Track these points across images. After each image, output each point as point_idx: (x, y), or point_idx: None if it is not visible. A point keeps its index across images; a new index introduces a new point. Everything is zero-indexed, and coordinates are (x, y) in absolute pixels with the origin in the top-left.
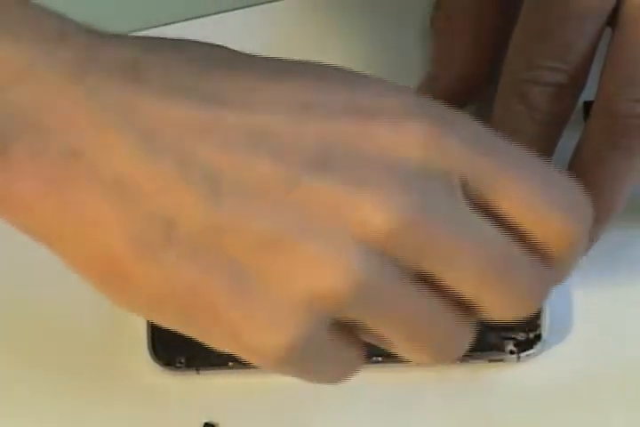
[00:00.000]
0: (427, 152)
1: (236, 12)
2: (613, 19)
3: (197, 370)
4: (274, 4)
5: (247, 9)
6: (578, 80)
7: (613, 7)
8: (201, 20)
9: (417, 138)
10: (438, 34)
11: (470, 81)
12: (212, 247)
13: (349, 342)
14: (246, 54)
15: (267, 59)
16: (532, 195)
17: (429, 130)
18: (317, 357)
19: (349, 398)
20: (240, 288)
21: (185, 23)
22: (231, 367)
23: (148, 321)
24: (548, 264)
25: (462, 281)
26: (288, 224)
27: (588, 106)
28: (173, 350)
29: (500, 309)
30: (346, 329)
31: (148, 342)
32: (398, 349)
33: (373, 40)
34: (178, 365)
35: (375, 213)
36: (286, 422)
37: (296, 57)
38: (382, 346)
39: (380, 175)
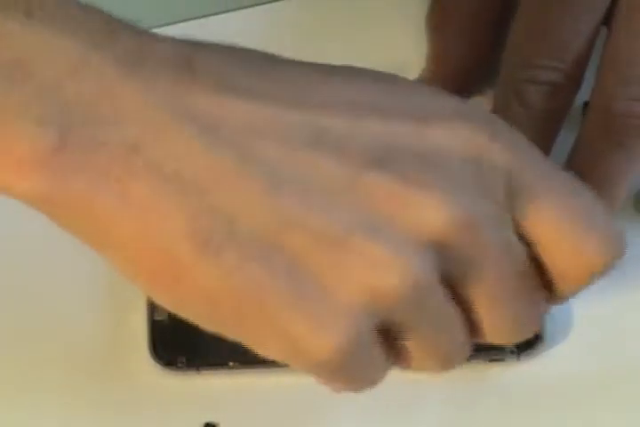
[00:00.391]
0: (478, 155)
1: (236, 12)
2: (609, 17)
3: (198, 370)
4: (274, 4)
5: (247, 9)
6: (574, 79)
7: (609, 6)
8: (201, 20)
9: (469, 140)
10: (434, 31)
11: (466, 78)
12: (272, 244)
13: (384, 348)
14: (294, 60)
15: (315, 63)
16: (572, 223)
17: (480, 134)
18: (362, 360)
19: (349, 398)
20: (298, 288)
21: (185, 24)
22: (231, 367)
23: (148, 321)
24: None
25: (477, 296)
26: (348, 222)
27: (587, 106)
28: (173, 350)
29: (495, 333)
30: (382, 335)
31: (148, 342)
32: (412, 358)
33: (373, 39)
34: (178, 365)
35: (434, 212)
36: (286, 423)
37: (296, 57)
38: (393, 358)
39: (436, 175)
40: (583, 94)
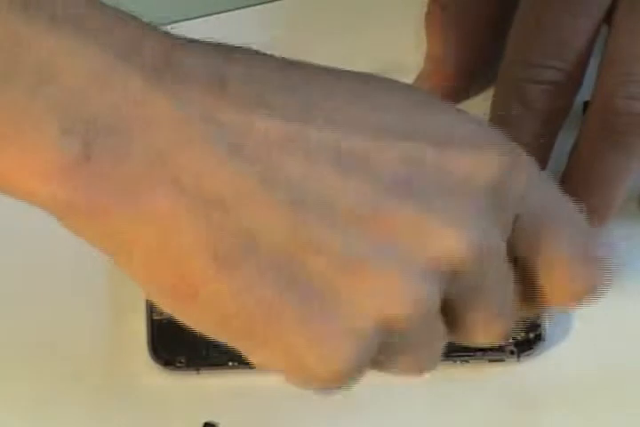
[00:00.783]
0: (499, 184)
1: (235, 11)
2: (610, 16)
3: (197, 370)
4: (274, 3)
5: (247, 9)
6: (575, 78)
7: (609, 4)
8: (201, 20)
9: (489, 169)
10: (433, 32)
11: (465, 79)
12: (289, 264)
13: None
14: (326, 68)
15: (346, 73)
16: (572, 256)
17: (500, 162)
18: (359, 378)
19: (349, 398)
20: (309, 308)
21: (185, 23)
22: (231, 367)
23: (147, 321)
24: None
25: (465, 311)
26: (366, 248)
27: (587, 106)
28: (173, 350)
29: (468, 338)
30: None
31: (148, 342)
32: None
33: (373, 39)
34: (178, 365)
35: (453, 244)
36: (286, 423)
37: (296, 57)
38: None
39: (456, 204)
40: (583, 94)
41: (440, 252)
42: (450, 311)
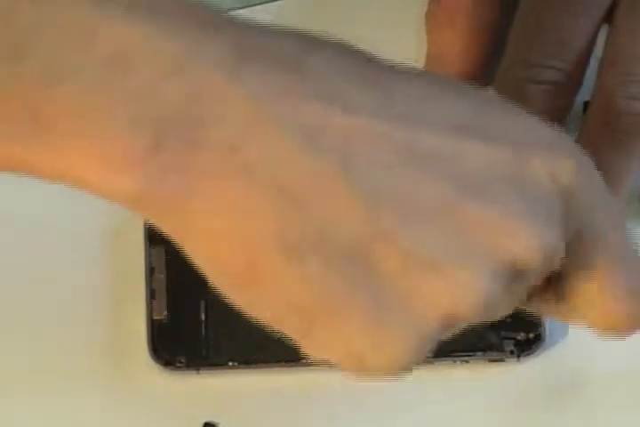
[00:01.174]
0: (566, 188)
1: (235, 12)
2: (610, 16)
3: (197, 370)
4: (274, 3)
5: (247, 9)
6: (575, 78)
7: (610, 4)
8: None
9: (562, 173)
10: (434, 30)
11: (466, 78)
12: (359, 259)
13: None
14: (403, 67)
15: (421, 72)
16: (614, 279)
17: (571, 166)
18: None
19: (350, 398)
20: (374, 303)
21: None
22: (231, 367)
23: (147, 321)
24: None
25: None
26: (439, 246)
27: (587, 106)
28: (173, 350)
29: None
30: None
31: (148, 342)
32: None
33: (373, 39)
34: (178, 365)
35: (525, 246)
36: (286, 422)
37: None
38: None
39: (529, 206)
40: (583, 94)
41: (513, 253)
42: None
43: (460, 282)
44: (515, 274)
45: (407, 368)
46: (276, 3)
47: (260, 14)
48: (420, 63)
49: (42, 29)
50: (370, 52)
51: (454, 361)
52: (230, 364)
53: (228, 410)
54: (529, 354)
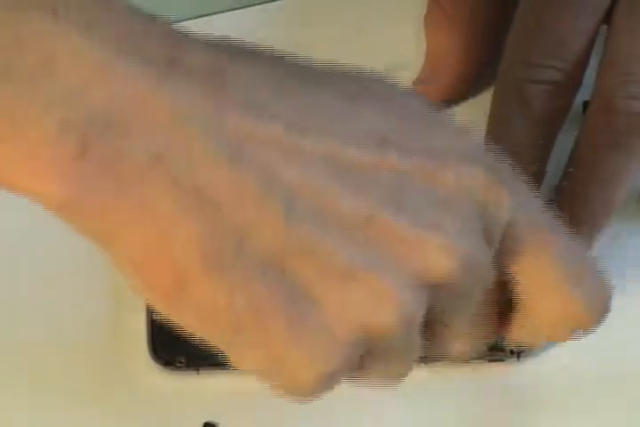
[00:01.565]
0: (487, 200)
1: (236, 12)
2: (609, 16)
3: (197, 370)
4: (274, 3)
5: (247, 9)
6: (574, 78)
7: (609, 4)
8: (201, 19)
9: (480, 185)
10: (433, 30)
11: (466, 78)
12: (278, 268)
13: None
14: (330, 72)
15: (347, 78)
16: (561, 279)
17: (492, 179)
18: (336, 384)
19: (349, 398)
20: (297, 312)
21: (185, 23)
22: (231, 367)
23: (147, 321)
24: None
25: (443, 320)
26: (356, 258)
27: (587, 106)
28: (173, 350)
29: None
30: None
31: (148, 342)
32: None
33: (373, 39)
34: (178, 365)
35: (443, 258)
36: (286, 422)
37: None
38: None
39: (446, 219)
40: (583, 94)
41: (429, 265)
42: (429, 323)
43: (374, 292)
44: (436, 287)
45: (329, 379)
46: (275, 3)
47: (260, 15)
48: (420, 63)
49: None
50: (293, 58)
51: (454, 361)
52: (230, 364)
53: (227, 410)
54: (529, 354)
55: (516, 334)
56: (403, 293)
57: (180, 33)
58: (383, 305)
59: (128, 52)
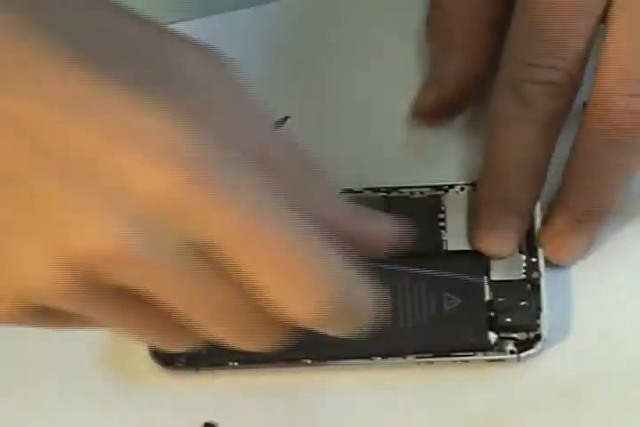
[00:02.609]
0: (167, 198)
1: (236, 12)
2: (606, 14)
3: (197, 370)
4: (274, 3)
5: (247, 9)
6: (573, 77)
7: (606, 2)
8: (201, 20)
9: (158, 182)
10: (435, 33)
11: (472, 81)
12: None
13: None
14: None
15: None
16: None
17: (177, 177)
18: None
19: (349, 398)
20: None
21: (185, 23)
22: (231, 367)
23: None
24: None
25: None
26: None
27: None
28: None
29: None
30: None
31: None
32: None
33: (373, 39)
34: (178, 365)
35: (92, 240)
36: (286, 422)
37: (296, 57)
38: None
39: (108, 204)
40: (584, 94)
41: (79, 246)
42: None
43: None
44: (95, 270)
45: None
46: (275, 3)
47: (260, 14)
48: (418, 63)
49: None
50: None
51: (454, 361)
52: (230, 364)
53: (227, 410)
54: (529, 354)
55: None
56: (43, 272)
57: None
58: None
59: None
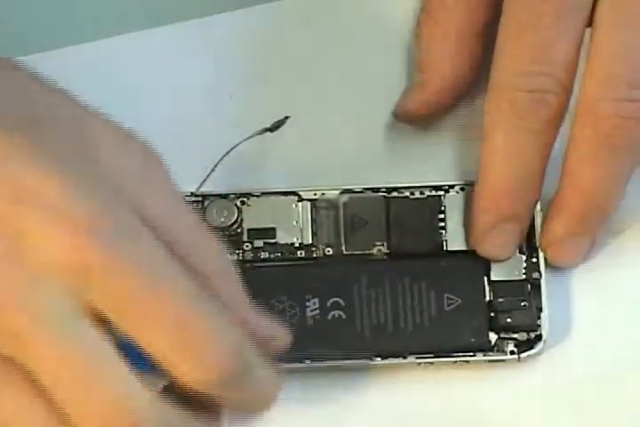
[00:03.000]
0: (64, 268)
1: (236, 12)
2: (592, 19)
3: None
4: (274, 3)
5: (247, 9)
6: (563, 83)
7: (591, 5)
8: (201, 20)
9: (59, 245)
10: (425, 37)
11: (458, 84)
12: None
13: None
14: None
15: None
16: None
17: (76, 240)
18: None
19: (349, 398)
20: None
21: (184, 23)
22: None
23: None
24: None
25: None
26: None
27: None
28: None
29: None
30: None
31: None
32: None
33: (372, 40)
34: None
35: None
36: (286, 423)
37: (295, 57)
38: None
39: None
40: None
41: None
42: None
43: None
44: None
45: None
46: (275, 3)
47: (260, 14)
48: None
49: None
50: None
51: (454, 362)
52: None
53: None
54: (529, 354)
55: None
56: None
57: None
58: None
59: None
